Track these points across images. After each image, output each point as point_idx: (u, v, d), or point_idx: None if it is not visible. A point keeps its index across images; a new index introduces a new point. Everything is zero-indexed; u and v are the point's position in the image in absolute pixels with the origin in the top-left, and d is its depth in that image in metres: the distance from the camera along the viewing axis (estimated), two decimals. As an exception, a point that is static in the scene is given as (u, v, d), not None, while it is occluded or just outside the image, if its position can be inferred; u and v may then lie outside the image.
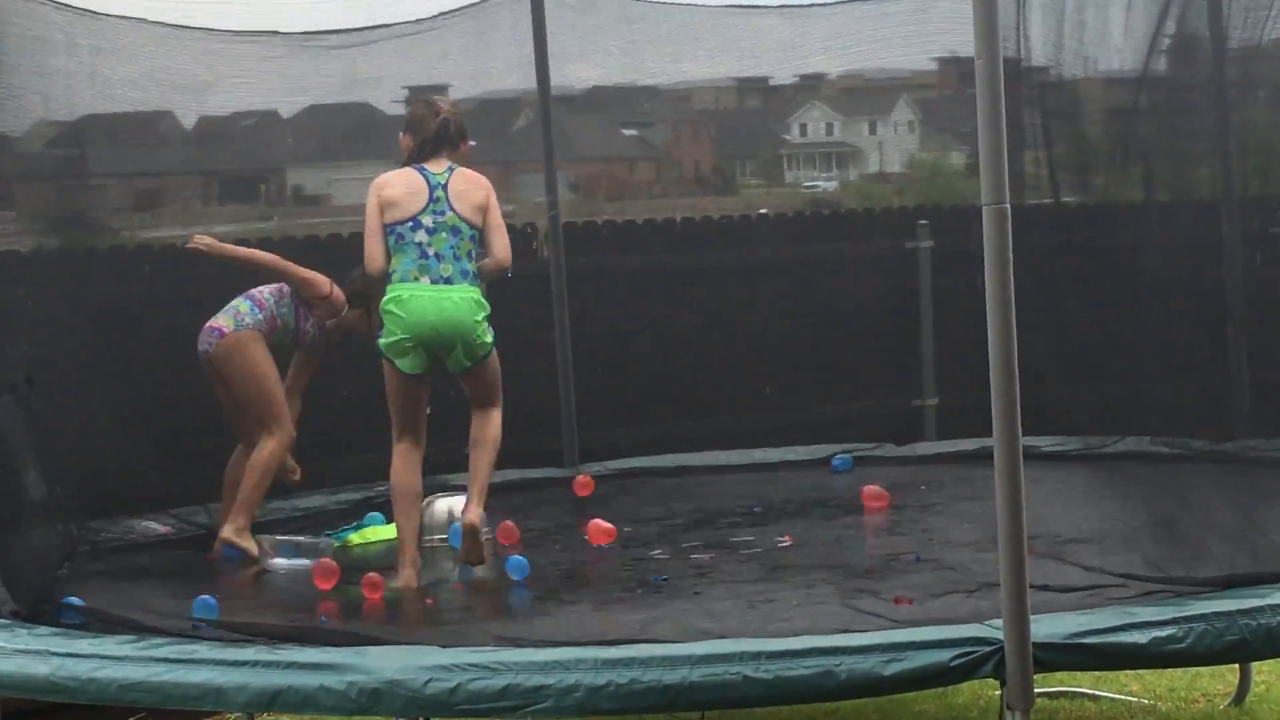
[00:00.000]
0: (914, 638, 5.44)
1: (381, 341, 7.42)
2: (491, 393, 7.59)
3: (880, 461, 9.40)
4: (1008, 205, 5.30)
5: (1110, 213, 7.24)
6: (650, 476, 9.36)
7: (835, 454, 9.23)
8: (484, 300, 7.47)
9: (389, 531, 8.10)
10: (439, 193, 7.44)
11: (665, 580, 7.02)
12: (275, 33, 9.99)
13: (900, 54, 11.96)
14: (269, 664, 5.51)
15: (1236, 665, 7.78)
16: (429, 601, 7.00)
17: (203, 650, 5.69)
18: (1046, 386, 7.52)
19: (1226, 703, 7.91)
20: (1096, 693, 7.98)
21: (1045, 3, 6.81)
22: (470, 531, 7.33)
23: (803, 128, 21.03)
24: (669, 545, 7.76)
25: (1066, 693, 7.98)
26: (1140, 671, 7.90)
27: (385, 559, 7.70)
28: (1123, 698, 7.96)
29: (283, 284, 8.34)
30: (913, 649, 5.38)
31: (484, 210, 7.49)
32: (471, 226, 7.46)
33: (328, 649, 5.69)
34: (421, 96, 7.91)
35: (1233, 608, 5.62)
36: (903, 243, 11.73)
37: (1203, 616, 5.57)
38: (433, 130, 7.51)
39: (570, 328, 9.96)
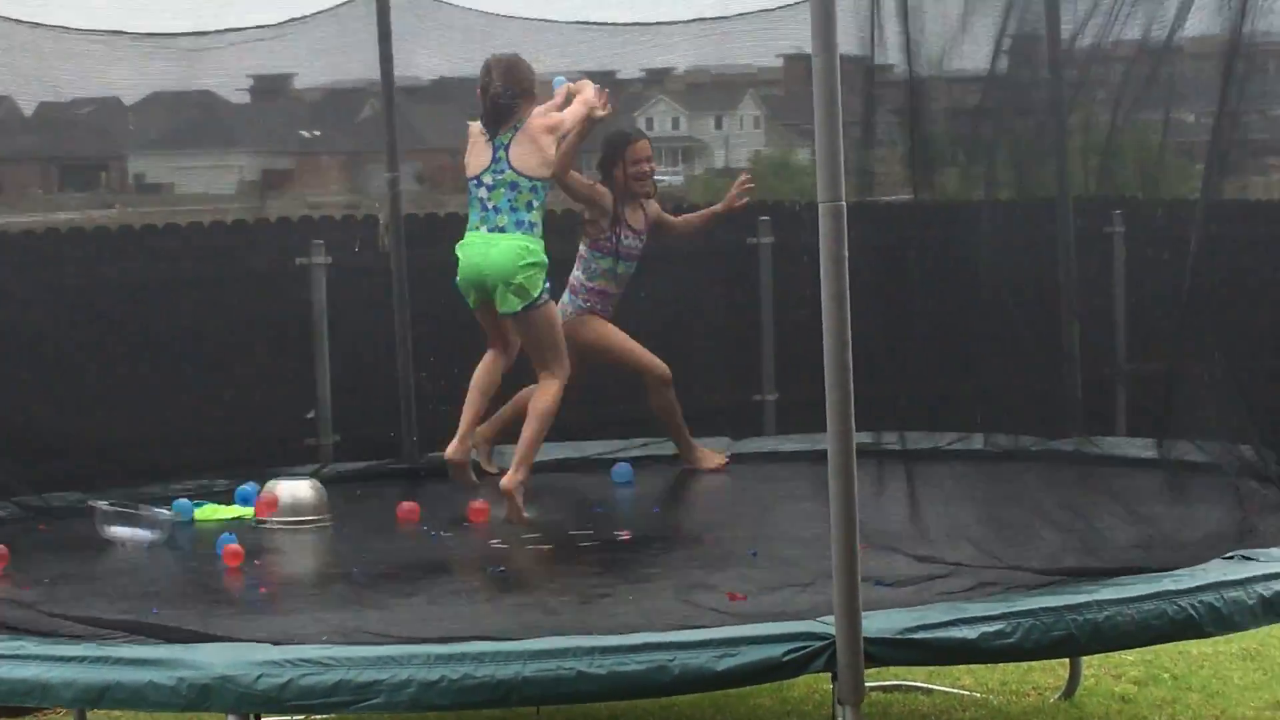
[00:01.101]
0: (747, 633, 5.47)
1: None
2: (543, 352, 8.16)
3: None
4: (843, 203, 5.34)
5: (954, 211, 7.28)
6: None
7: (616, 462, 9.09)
8: (536, 249, 8.05)
9: (232, 511, 8.20)
10: (500, 153, 8.08)
11: (503, 572, 6.99)
12: (120, 32, 9.88)
13: (747, 50, 12.03)
14: (96, 660, 5.43)
15: (1067, 659, 7.88)
16: (263, 590, 6.94)
17: (30, 646, 5.59)
18: (885, 383, 7.58)
19: (1057, 696, 8.01)
20: (930, 686, 8.06)
21: (897, 4, 6.84)
22: (506, 495, 7.81)
23: (649, 122, 21.06)
24: (508, 536, 7.73)
25: (900, 686, 8.05)
26: (973, 665, 7.98)
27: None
28: (956, 691, 8.05)
29: (580, 250, 8.90)
30: (746, 644, 5.40)
31: (547, 163, 8.07)
32: (531, 179, 8.06)
33: (158, 644, 5.64)
34: (487, 61, 8.30)
35: (1060, 603, 5.68)
36: (745, 238, 11.78)
37: (1031, 612, 5.63)
38: (484, 107, 8.14)
39: (412, 318, 9.90)
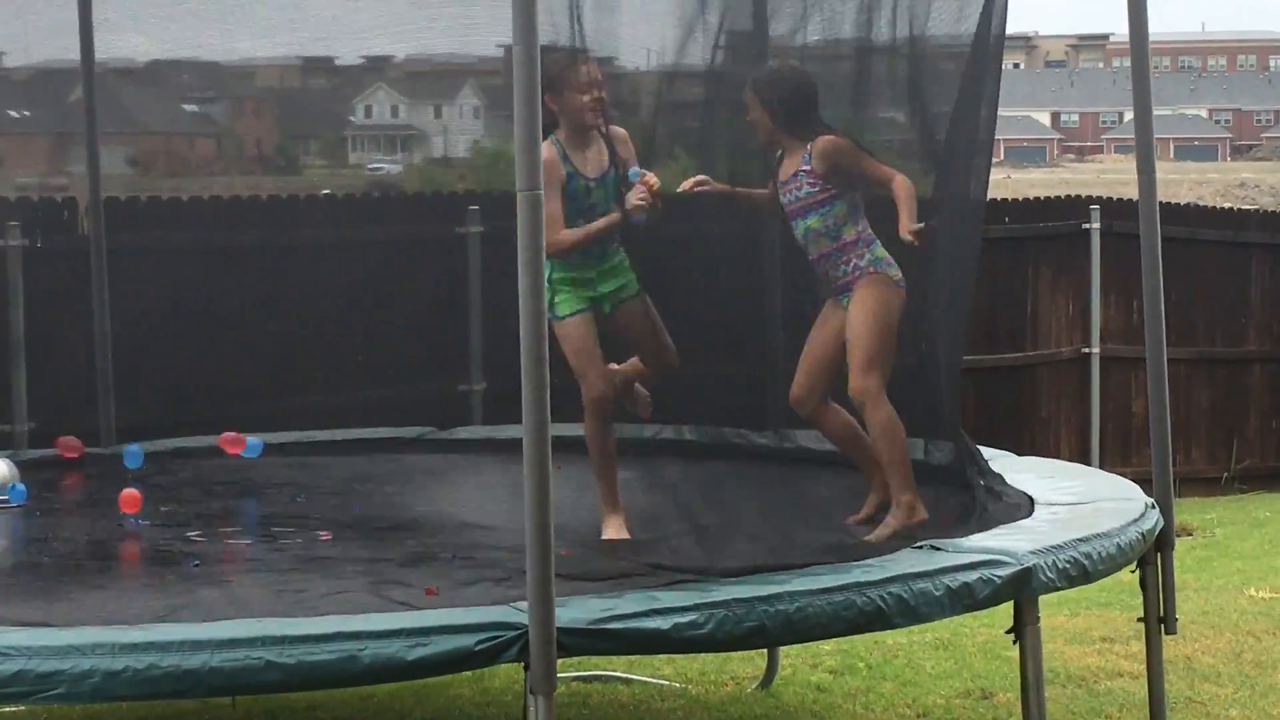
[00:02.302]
0: (439, 622, 5.44)
1: None
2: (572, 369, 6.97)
3: (424, 446, 9.36)
4: (541, 192, 5.35)
5: (669, 205, 7.30)
6: (192, 458, 9.17)
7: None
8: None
9: None
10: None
11: (199, 565, 6.81)
12: None
13: (467, 40, 11.99)
14: None
15: (764, 650, 7.96)
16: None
17: None
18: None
19: (754, 686, 8.10)
20: (629, 676, 8.11)
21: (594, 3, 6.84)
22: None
23: (368, 109, 20.90)
24: (205, 527, 7.60)
25: (600, 676, 8.08)
26: (672, 655, 8.04)
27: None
28: (655, 681, 8.10)
29: None
30: (437, 633, 5.37)
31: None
32: None
33: None
34: None
35: (752, 594, 5.73)
36: (454, 228, 11.76)
37: (724, 603, 5.67)
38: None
39: (111, 304, 9.70)
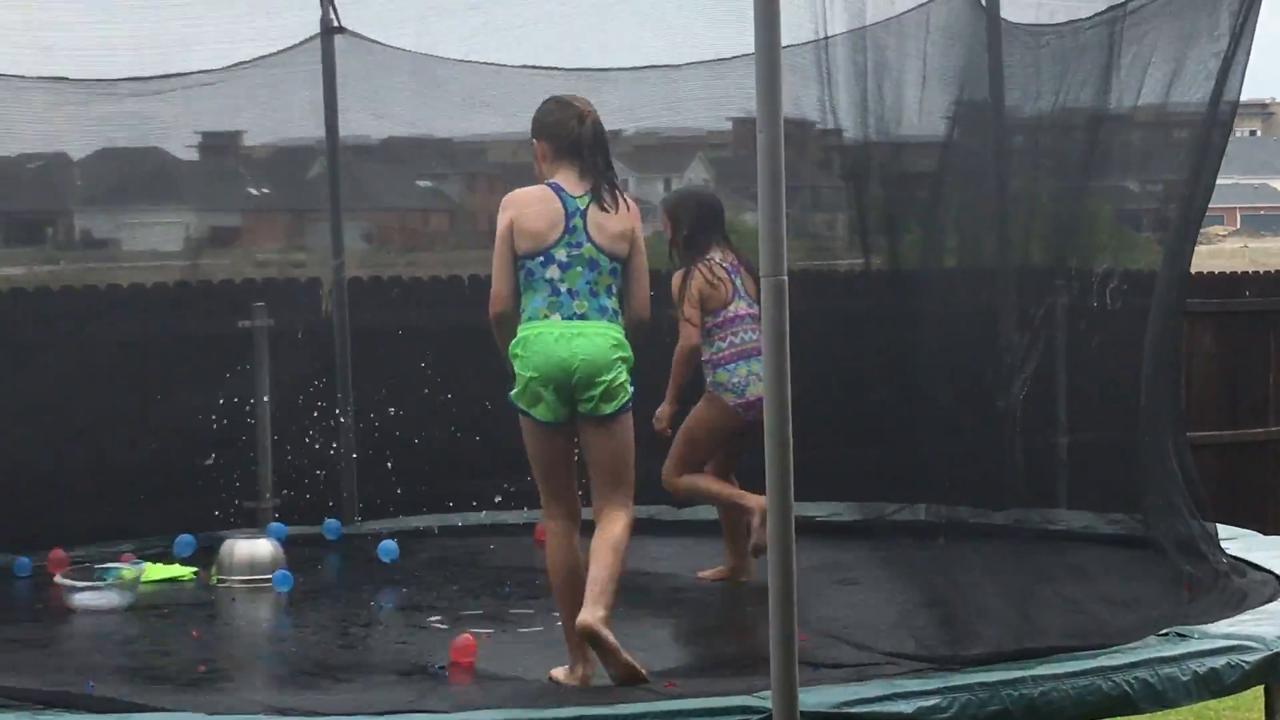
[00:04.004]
0: (684, 706, 5.49)
1: (512, 393, 6.47)
2: (620, 472, 6.50)
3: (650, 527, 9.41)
4: (785, 278, 5.36)
5: (899, 278, 7.30)
6: (434, 537, 9.33)
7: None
8: (625, 342, 6.53)
9: (171, 570, 8.23)
10: (576, 220, 6.49)
11: (443, 670, 6.61)
12: (65, 79, 9.90)
13: (696, 114, 12.09)
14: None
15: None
16: (201, 668, 6.82)
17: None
18: (823, 452, 7.58)
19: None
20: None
21: (848, 72, 6.85)
22: (590, 635, 6.16)
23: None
24: (448, 614, 7.68)
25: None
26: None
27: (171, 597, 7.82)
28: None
29: None
30: (683, 717, 5.42)
31: (629, 242, 6.54)
32: (612, 259, 6.49)
33: (95, 715, 5.61)
34: (555, 96, 6.77)
35: (996, 679, 5.73)
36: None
37: (967, 687, 5.68)
38: (574, 135, 6.55)
39: (353, 383, 9.89)
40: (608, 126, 6.71)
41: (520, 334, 6.47)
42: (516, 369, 6.46)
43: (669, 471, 8.37)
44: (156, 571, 8.29)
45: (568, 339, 6.40)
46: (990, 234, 7.89)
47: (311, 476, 9.95)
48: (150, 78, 9.96)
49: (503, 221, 6.51)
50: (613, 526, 6.43)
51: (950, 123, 7.41)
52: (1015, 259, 8.58)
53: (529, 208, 6.50)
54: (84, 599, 7.70)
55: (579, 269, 6.46)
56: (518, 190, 6.58)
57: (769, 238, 5.35)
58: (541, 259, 6.46)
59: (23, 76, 9.71)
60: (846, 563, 8.02)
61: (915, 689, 5.64)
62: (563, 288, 6.45)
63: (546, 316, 6.43)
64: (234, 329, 9.98)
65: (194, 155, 12.40)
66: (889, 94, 7.06)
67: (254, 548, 8.25)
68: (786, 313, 5.37)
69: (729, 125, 14.36)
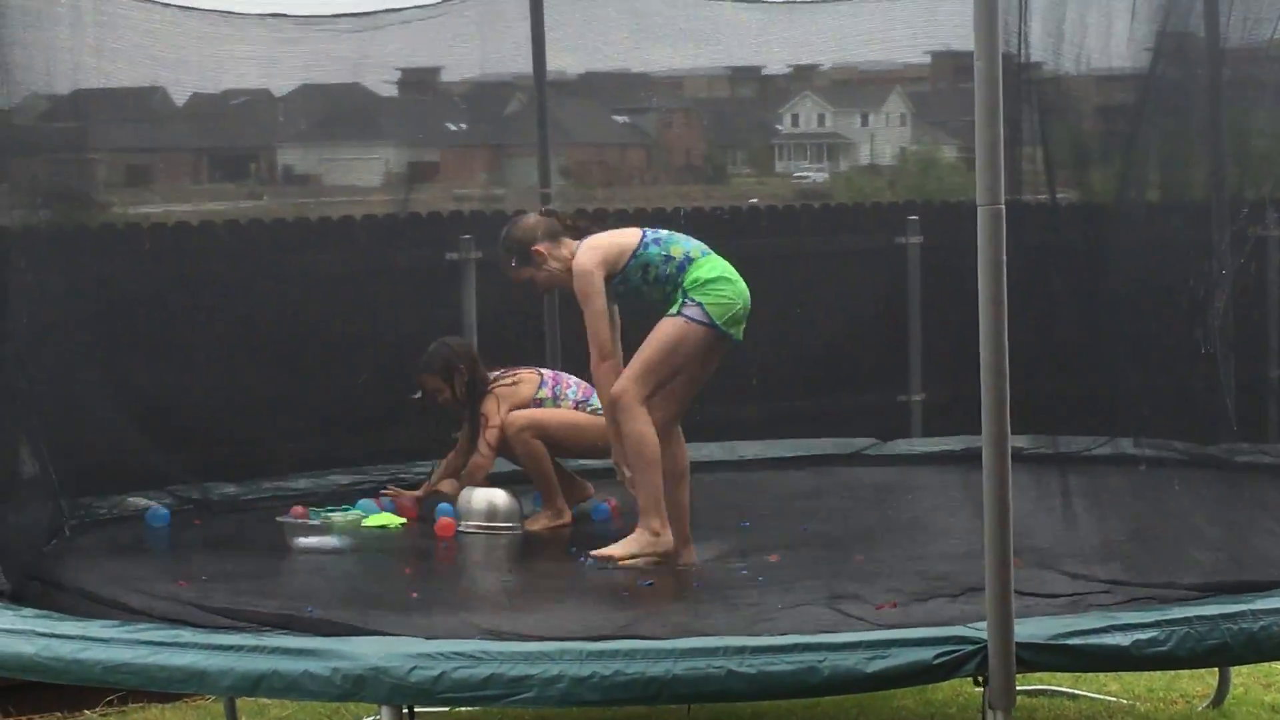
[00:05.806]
0: (897, 636, 5.47)
1: (721, 317, 7.23)
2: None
3: (866, 460, 9.40)
4: (1002, 206, 5.32)
5: (1102, 211, 7.22)
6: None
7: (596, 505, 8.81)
8: None
9: (382, 519, 8.28)
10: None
11: (651, 585, 6.98)
12: (281, 15, 10.02)
13: (894, 47, 12.02)
14: (254, 649, 5.52)
15: (1216, 668, 7.80)
16: (414, 594, 6.97)
17: (187, 634, 5.70)
18: (1033, 385, 7.52)
19: (1205, 704, 7.94)
20: (1075, 691, 8.01)
21: (1046, 5, 6.78)
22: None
23: (794, 118, 20.99)
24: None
25: (1046, 691, 8.01)
26: (1119, 673, 7.92)
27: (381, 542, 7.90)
28: (1102, 697, 7.99)
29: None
30: (896, 647, 5.41)
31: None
32: None
33: (313, 636, 5.71)
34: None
35: (1215, 612, 5.66)
36: (892, 237, 11.75)
37: (1185, 620, 5.60)
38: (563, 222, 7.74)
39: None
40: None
41: (710, 267, 7.28)
42: (724, 294, 7.25)
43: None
44: (371, 520, 8.39)
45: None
46: (1198, 167, 7.78)
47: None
48: (367, 13, 10.05)
49: (596, 276, 7.40)
50: (683, 450, 7.50)
51: (1154, 54, 7.30)
52: (1227, 191, 8.47)
53: (600, 243, 7.50)
54: (306, 541, 7.82)
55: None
56: (587, 251, 7.47)
57: (987, 168, 5.31)
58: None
59: (243, 15, 9.83)
60: (1052, 493, 7.94)
61: (1132, 621, 5.57)
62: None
63: (706, 254, 7.33)
64: (442, 261, 10.07)
65: (393, 91, 12.51)
66: (1093, 22, 6.98)
67: (492, 496, 8.24)
68: (1004, 241, 5.33)
69: (927, 59, 14.27)
